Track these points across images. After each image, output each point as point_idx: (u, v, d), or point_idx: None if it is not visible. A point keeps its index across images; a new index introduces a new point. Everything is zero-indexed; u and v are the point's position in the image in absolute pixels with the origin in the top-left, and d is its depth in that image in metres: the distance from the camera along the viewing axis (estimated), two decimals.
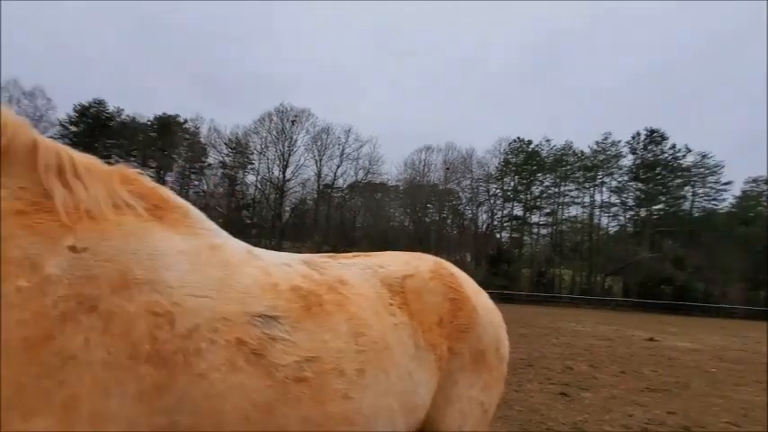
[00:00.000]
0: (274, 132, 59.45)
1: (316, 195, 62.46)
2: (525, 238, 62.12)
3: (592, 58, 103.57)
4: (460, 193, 63.70)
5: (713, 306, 44.63)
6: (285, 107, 59.47)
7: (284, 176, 59.39)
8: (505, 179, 61.15)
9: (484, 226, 62.85)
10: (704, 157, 53.64)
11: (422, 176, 63.81)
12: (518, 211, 61.47)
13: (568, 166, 59.02)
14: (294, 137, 59.57)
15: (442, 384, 1.82)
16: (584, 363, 10.76)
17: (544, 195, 60.45)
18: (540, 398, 7.05)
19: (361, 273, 1.83)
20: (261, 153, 60.13)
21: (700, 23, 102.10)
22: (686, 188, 55.01)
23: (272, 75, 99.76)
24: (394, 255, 2.10)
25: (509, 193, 60.99)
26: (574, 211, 60.32)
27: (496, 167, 61.36)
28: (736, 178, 53.83)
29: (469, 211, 63.68)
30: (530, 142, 60.66)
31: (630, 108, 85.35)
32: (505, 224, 62.26)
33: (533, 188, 60.45)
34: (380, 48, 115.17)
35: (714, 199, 54.12)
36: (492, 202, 61.92)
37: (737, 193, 53.98)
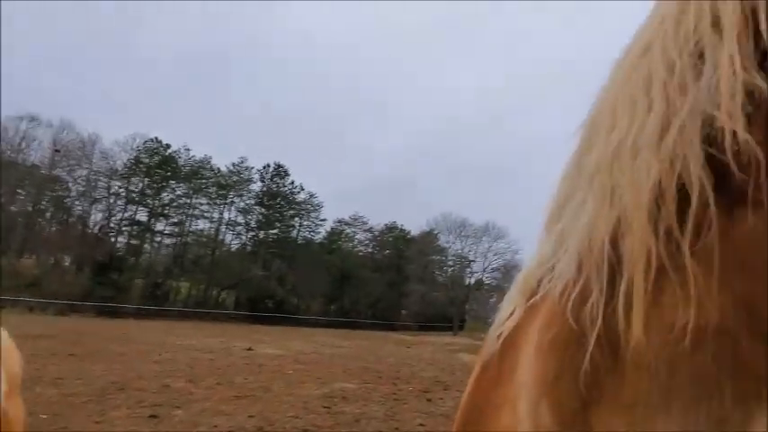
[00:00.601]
0: None
1: None
2: (146, 246, 57.46)
3: (248, 82, 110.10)
4: (71, 184, 52.81)
5: (302, 317, 54.44)
6: None
7: None
8: (133, 179, 55.27)
9: (96, 227, 54.05)
10: (312, 196, 66.22)
11: (16, 152, 48.98)
12: (142, 216, 56.47)
13: (204, 180, 59.52)
14: None
15: None
16: (184, 378, 10.78)
17: (174, 204, 58.24)
18: (126, 424, 6.54)
19: None
20: None
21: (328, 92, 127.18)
22: (296, 219, 65.90)
23: None
24: None
25: (135, 195, 55.31)
26: (202, 224, 60.94)
27: (125, 164, 54.71)
28: (329, 217, 69.02)
29: (80, 207, 53.48)
30: (168, 146, 57.65)
31: (269, 140, 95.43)
32: (124, 228, 55.74)
33: (164, 195, 57.27)
34: None
35: (313, 231, 67.33)
36: (112, 201, 54.37)
37: (329, 228, 69.08)
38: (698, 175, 0.57)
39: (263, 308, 52.54)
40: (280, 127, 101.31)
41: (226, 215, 61.77)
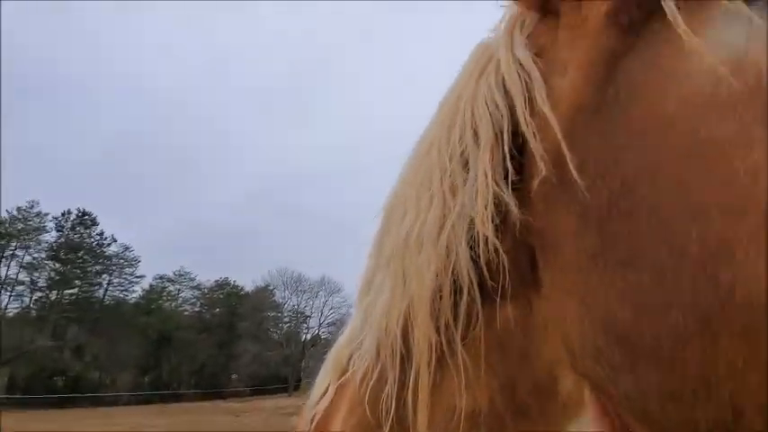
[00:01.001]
0: None
1: None
2: None
3: (51, 111, 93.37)
4: None
5: (104, 395, 45.21)
6: None
7: None
8: None
9: None
10: (126, 249, 57.78)
11: None
12: None
13: None
14: None
15: None
16: None
17: None
18: None
19: None
20: None
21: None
22: (103, 276, 56.26)
23: None
24: None
25: None
26: None
27: None
28: (148, 273, 60.81)
29: None
30: None
31: (73, 182, 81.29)
32: None
33: None
34: None
35: (126, 289, 58.17)
36: None
37: (146, 286, 60.65)
38: (466, 272, 0.64)
39: (49, 387, 42.27)
40: (88, 167, 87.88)
41: (2, 272, 49.29)
